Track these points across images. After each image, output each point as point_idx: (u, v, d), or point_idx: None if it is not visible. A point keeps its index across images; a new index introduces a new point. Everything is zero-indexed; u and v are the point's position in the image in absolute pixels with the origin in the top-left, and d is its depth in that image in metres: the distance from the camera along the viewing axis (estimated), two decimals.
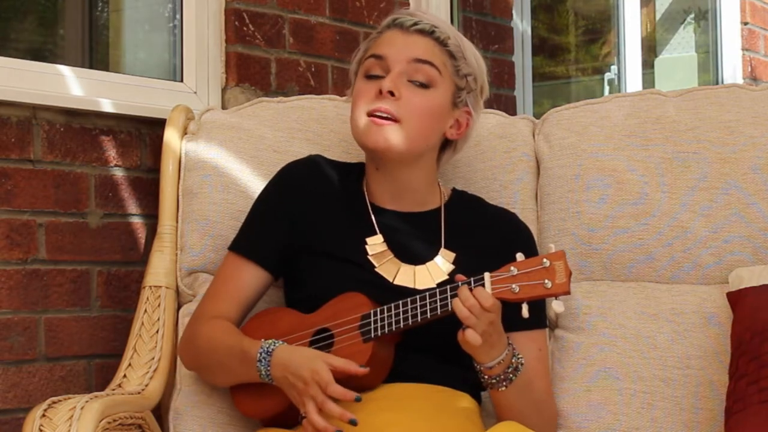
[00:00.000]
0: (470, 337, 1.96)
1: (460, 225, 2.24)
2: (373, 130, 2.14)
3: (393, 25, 2.21)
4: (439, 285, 2.12)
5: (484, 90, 2.27)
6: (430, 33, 2.19)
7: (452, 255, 2.19)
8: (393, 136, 2.14)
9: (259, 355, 2.06)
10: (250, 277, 2.22)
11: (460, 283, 1.99)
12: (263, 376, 2.06)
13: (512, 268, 1.97)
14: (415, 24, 2.19)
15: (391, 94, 2.13)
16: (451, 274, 2.15)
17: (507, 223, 2.27)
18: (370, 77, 2.18)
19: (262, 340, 2.08)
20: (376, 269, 2.16)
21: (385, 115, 2.13)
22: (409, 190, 2.23)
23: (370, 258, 2.17)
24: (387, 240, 2.19)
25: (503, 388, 2.04)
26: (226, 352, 2.14)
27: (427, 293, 2.01)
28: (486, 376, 2.04)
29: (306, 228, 2.21)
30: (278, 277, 2.26)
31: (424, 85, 2.16)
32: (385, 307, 2.04)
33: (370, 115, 2.15)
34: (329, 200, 2.24)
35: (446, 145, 2.27)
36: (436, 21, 2.22)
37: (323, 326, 2.11)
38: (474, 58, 2.24)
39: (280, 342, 2.07)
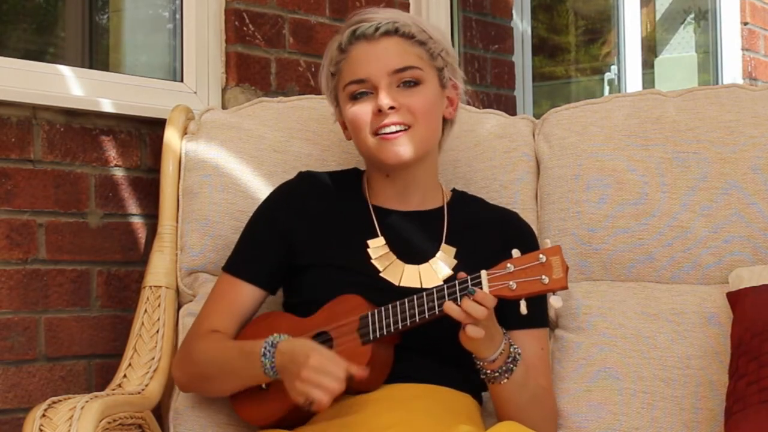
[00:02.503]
0: (473, 332, 1.95)
1: (461, 223, 2.24)
2: (386, 146, 2.13)
3: (355, 38, 2.16)
4: (446, 282, 2.12)
5: (454, 55, 2.24)
6: (395, 32, 2.15)
7: (453, 250, 2.19)
8: (407, 145, 2.13)
9: (263, 349, 2.05)
10: (244, 294, 2.21)
11: (457, 281, 1.98)
12: (267, 370, 2.04)
13: (509, 264, 1.96)
14: (377, 29, 2.14)
15: (391, 108, 2.12)
16: (455, 269, 2.15)
17: (509, 222, 2.27)
18: (357, 98, 2.15)
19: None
20: (380, 274, 2.16)
21: (394, 128, 2.12)
22: (417, 189, 2.22)
23: (373, 263, 2.17)
24: (389, 241, 2.19)
25: (505, 381, 2.04)
26: (228, 355, 2.13)
27: (425, 293, 2.01)
28: (488, 371, 2.03)
29: (304, 244, 2.20)
30: (275, 292, 2.26)
31: (413, 84, 2.15)
32: (383, 308, 2.04)
33: (377, 133, 2.13)
34: (326, 211, 2.23)
35: (444, 124, 2.25)
36: (393, 15, 2.18)
37: (322, 329, 2.10)
38: (437, 32, 2.20)
39: (285, 336, 2.07)
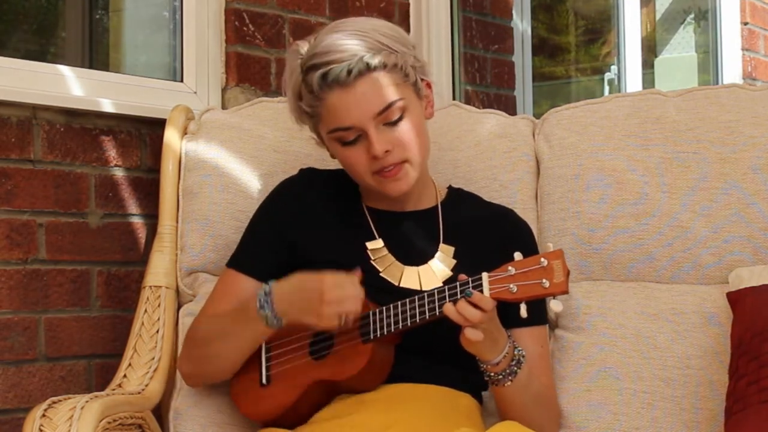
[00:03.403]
0: (471, 335, 1.95)
1: (458, 220, 2.24)
2: (388, 183, 2.12)
3: (327, 85, 2.08)
4: (446, 283, 2.12)
5: (417, 49, 2.18)
6: (367, 69, 2.07)
7: (451, 249, 2.19)
8: (407, 177, 2.12)
9: (259, 302, 2.06)
10: (248, 288, 2.21)
11: (458, 283, 1.98)
12: (270, 319, 2.05)
13: (510, 267, 1.96)
14: (350, 72, 2.06)
15: (386, 152, 2.09)
16: (454, 269, 2.15)
17: (506, 219, 2.27)
18: (347, 144, 2.12)
19: None
20: (380, 274, 2.16)
21: (391, 167, 2.10)
22: (411, 193, 2.22)
23: (373, 263, 2.17)
24: (387, 243, 2.19)
25: (509, 383, 2.04)
26: (223, 323, 2.14)
27: (426, 294, 2.01)
28: (492, 374, 2.03)
29: (305, 240, 2.20)
30: None
31: (398, 119, 2.11)
32: (384, 308, 2.04)
33: (376, 173, 2.12)
34: (325, 210, 2.24)
35: None
36: (355, 45, 2.08)
37: None
38: (399, 42, 2.13)
39: (271, 282, 2.08)
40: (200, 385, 2.27)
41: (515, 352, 2.04)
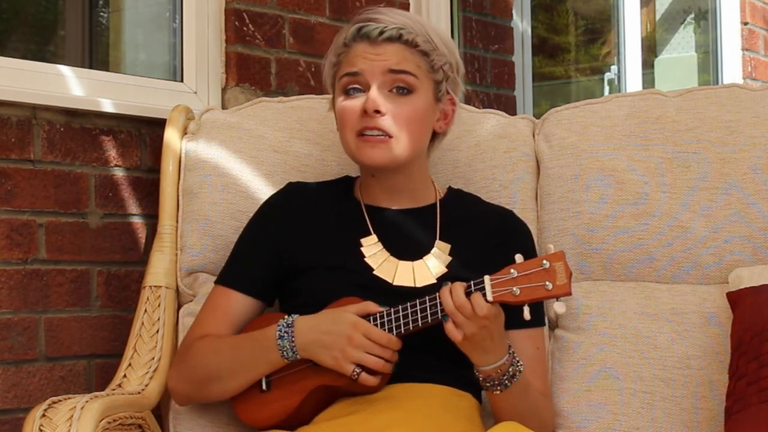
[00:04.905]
0: (449, 332, 1.97)
1: (456, 219, 2.23)
2: (365, 147, 2.13)
3: (359, 36, 2.16)
4: (439, 279, 2.11)
5: (460, 69, 2.24)
6: (398, 38, 2.14)
7: (447, 246, 2.19)
8: (384, 153, 2.13)
9: (279, 332, 2.06)
10: (237, 303, 2.20)
11: (467, 284, 1.97)
12: (287, 351, 2.05)
13: (512, 270, 1.95)
14: (382, 33, 2.14)
15: (377, 112, 2.12)
16: (449, 266, 2.15)
17: (505, 220, 2.27)
18: (349, 93, 2.15)
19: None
20: (374, 272, 2.16)
21: (376, 132, 2.12)
22: (406, 190, 2.23)
23: (367, 261, 2.16)
24: (381, 239, 2.19)
25: (497, 392, 2.04)
26: (232, 349, 2.13)
27: (427, 298, 2.01)
28: (481, 377, 2.04)
29: (296, 249, 2.20)
30: (271, 303, 2.25)
31: (405, 92, 2.14)
32: (384, 311, 2.03)
33: (360, 134, 2.13)
34: (317, 215, 2.23)
35: (434, 135, 2.25)
36: (401, 20, 2.17)
37: None
38: (444, 44, 2.19)
39: (295, 315, 2.08)
40: (192, 404, 2.25)
41: (510, 368, 2.03)
